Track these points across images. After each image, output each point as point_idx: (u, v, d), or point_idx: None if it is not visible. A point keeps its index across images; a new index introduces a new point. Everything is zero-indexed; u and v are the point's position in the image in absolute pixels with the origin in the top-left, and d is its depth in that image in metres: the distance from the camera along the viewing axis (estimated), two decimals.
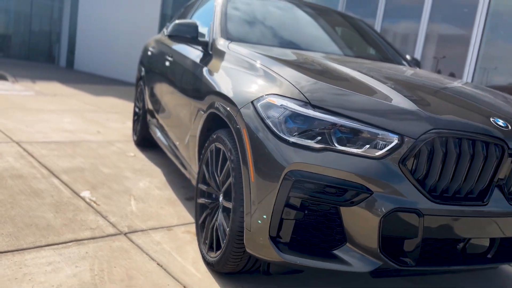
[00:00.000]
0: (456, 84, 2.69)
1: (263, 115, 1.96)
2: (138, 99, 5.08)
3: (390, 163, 1.79)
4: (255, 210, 1.91)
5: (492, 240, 2.03)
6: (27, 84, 10.17)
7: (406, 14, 8.49)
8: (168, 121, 3.71)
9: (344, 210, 1.80)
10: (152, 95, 4.34)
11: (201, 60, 3.02)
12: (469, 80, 6.95)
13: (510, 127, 1.94)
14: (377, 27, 8.64)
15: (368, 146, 1.81)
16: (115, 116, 6.99)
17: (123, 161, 4.29)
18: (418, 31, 7.84)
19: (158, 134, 4.06)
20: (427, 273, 2.08)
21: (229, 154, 2.18)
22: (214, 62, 2.80)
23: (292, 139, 1.84)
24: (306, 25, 3.55)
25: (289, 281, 2.31)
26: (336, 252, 1.86)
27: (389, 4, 8.56)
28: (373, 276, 1.98)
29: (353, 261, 1.84)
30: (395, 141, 1.80)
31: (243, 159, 2.01)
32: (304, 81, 2.06)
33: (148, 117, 4.57)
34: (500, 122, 1.95)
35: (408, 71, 2.86)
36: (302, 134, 1.85)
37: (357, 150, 1.81)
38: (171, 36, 3.09)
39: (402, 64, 3.52)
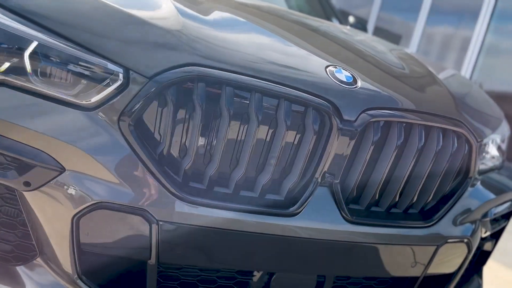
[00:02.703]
0: (334, 28, 1.78)
1: None
2: None
3: (106, 120, 0.97)
4: None
5: (321, 279, 1.19)
6: None
7: None
8: None
9: (26, 198, 0.99)
10: None
11: None
12: None
13: (358, 85, 1.09)
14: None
15: (80, 85, 0.99)
16: None
17: None
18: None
19: None
20: None
21: None
22: None
23: None
24: None
25: None
26: (20, 269, 1.06)
27: None
28: None
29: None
30: (120, 80, 0.97)
31: None
32: None
33: None
34: (342, 75, 1.10)
35: (296, 17, 1.98)
36: None
37: (59, 91, 0.98)
38: None
39: (328, 20, 2.63)
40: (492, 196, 1.38)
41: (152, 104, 0.97)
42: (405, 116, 1.10)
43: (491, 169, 1.48)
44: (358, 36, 1.68)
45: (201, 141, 0.99)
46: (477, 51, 6.27)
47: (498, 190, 1.45)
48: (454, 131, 1.18)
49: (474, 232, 1.31)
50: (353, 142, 1.05)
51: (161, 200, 0.97)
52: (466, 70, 6.31)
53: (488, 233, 1.44)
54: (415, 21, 7.03)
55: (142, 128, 0.98)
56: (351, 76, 1.10)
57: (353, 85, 1.07)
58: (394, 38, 7.56)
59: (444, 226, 1.23)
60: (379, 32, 7.54)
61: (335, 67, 1.10)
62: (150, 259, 1.00)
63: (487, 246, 1.58)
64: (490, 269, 2.48)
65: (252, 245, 1.05)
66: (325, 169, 1.06)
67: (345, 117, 1.03)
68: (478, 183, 1.34)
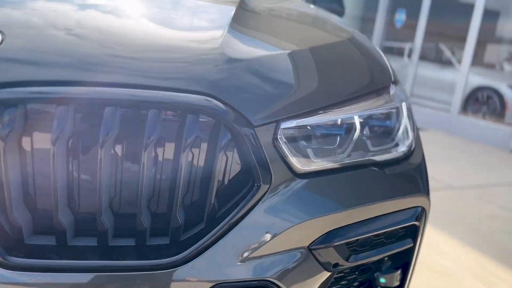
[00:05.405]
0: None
1: None
2: None
3: None
4: None
5: None
6: None
7: None
8: None
9: None
10: None
11: None
12: None
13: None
14: None
15: None
16: None
17: None
18: None
19: None
20: None
21: None
22: None
23: None
24: None
25: None
26: None
27: None
28: None
29: None
30: None
31: None
32: None
33: None
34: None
35: None
36: None
37: None
38: None
39: None
40: (335, 207, 0.87)
41: None
42: (66, 91, 0.66)
43: (367, 163, 0.97)
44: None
45: None
46: None
47: (369, 196, 0.93)
48: (201, 109, 0.71)
49: (289, 269, 0.81)
50: None
51: None
52: None
53: (352, 264, 0.92)
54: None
55: None
56: None
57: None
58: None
59: (215, 263, 0.76)
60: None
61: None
62: None
63: (390, 281, 1.04)
64: None
65: None
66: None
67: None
68: (301, 189, 0.84)
